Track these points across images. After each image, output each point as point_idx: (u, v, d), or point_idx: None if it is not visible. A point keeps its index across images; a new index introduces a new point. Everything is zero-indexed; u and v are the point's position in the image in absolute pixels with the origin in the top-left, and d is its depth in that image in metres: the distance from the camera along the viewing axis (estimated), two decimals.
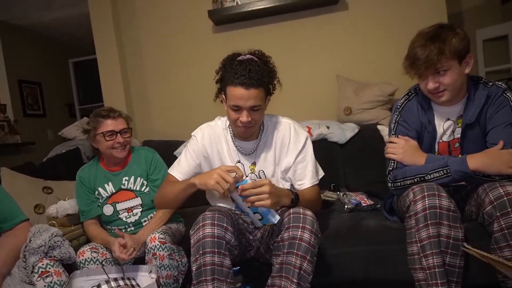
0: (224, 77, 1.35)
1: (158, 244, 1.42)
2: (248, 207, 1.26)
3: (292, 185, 1.50)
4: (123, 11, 2.68)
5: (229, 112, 1.35)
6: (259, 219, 1.32)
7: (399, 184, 1.38)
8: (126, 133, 1.67)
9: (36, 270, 1.25)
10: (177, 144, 2.28)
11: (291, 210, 1.26)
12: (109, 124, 1.63)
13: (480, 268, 1.28)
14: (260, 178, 1.46)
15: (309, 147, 1.47)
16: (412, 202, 1.25)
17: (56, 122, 4.42)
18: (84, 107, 4.43)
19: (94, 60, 2.72)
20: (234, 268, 1.45)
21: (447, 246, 1.20)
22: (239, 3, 2.40)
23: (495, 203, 1.19)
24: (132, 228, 1.67)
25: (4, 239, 1.35)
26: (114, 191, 1.69)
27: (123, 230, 1.67)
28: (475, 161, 1.25)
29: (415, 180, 1.33)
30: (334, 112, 2.39)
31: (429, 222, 1.19)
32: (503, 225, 1.17)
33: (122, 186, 1.69)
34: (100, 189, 1.68)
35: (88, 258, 1.45)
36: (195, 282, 1.20)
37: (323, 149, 2.10)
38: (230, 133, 1.48)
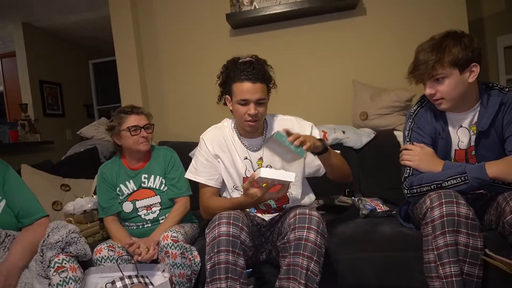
0: (229, 77, 1.45)
1: (170, 242, 1.43)
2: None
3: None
4: (142, 15, 2.73)
5: (236, 108, 1.43)
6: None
7: (415, 191, 1.36)
8: (149, 129, 1.73)
9: (52, 265, 1.27)
10: (193, 145, 2.29)
11: (297, 211, 1.27)
12: (133, 120, 1.68)
13: (500, 279, 1.24)
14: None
15: (315, 133, 1.55)
16: (429, 209, 1.22)
17: (74, 122, 4.52)
18: (102, 107, 4.51)
19: (113, 62, 2.78)
20: (246, 270, 1.45)
21: (465, 255, 1.17)
22: (257, 7, 2.41)
23: None
24: (150, 225, 1.70)
25: (23, 234, 1.38)
26: (135, 189, 1.72)
27: (141, 227, 1.70)
28: (494, 169, 1.22)
29: (432, 187, 1.31)
30: (349, 117, 2.38)
31: (446, 229, 1.17)
32: None
33: (143, 184, 1.72)
34: (121, 186, 1.72)
35: (105, 256, 1.47)
36: (208, 280, 1.21)
37: None
38: (236, 132, 1.55)
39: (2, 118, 4.86)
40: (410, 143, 1.46)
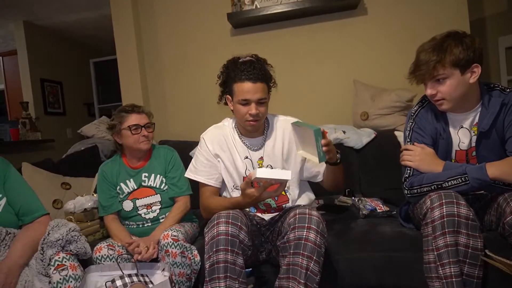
0: (230, 76, 1.45)
1: (170, 241, 1.44)
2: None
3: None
4: (143, 14, 2.74)
5: (237, 108, 1.43)
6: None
7: (415, 191, 1.36)
8: (150, 128, 1.73)
9: (52, 263, 1.27)
10: (193, 145, 2.29)
11: (297, 211, 1.27)
12: (134, 119, 1.68)
13: (500, 280, 1.24)
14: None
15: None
16: (429, 209, 1.22)
17: (75, 120, 4.53)
18: (102, 106, 4.52)
19: (114, 61, 2.78)
20: (246, 270, 1.45)
21: (465, 255, 1.17)
22: (258, 7, 2.41)
23: None
24: (150, 224, 1.70)
25: (23, 232, 1.39)
26: (135, 187, 1.72)
27: (141, 226, 1.71)
28: (494, 169, 1.22)
29: (432, 187, 1.31)
30: (350, 117, 2.38)
31: (446, 230, 1.17)
32: None
33: (143, 183, 1.72)
34: (122, 184, 1.72)
35: (105, 255, 1.47)
36: (208, 279, 1.21)
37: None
38: (237, 131, 1.55)
39: (3, 117, 4.87)
40: (410, 144, 1.45)
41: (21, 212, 1.43)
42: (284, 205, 1.53)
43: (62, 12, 3.88)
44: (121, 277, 1.31)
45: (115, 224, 1.68)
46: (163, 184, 1.73)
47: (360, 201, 1.86)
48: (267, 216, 1.52)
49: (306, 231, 1.20)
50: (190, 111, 2.72)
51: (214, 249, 1.21)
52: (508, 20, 2.95)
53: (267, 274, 1.47)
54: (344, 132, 2.14)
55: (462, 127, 1.41)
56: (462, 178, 1.25)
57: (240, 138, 1.54)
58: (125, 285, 1.29)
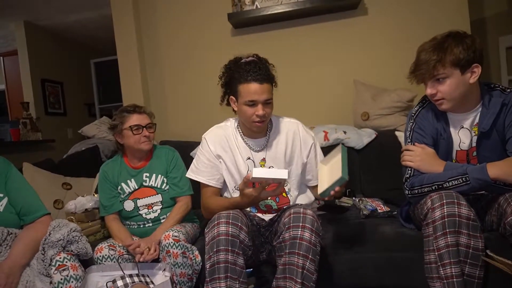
0: (234, 78, 1.43)
1: (171, 242, 1.44)
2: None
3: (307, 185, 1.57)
4: (144, 14, 2.74)
5: (243, 110, 1.42)
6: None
7: (416, 191, 1.36)
8: (151, 128, 1.73)
9: (53, 263, 1.27)
10: (194, 145, 2.29)
11: (292, 210, 1.27)
12: (135, 119, 1.68)
13: (501, 280, 1.24)
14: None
15: (318, 145, 1.59)
16: (430, 210, 1.22)
17: (76, 120, 4.53)
18: (103, 106, 4.52)
19: (115, 61, 2.78)
20: (247, 270, 1.45)
21: (466, 255, 1.17)
22: (259, 7, 2.41)
23: None
24: (151, 224, 1.70)
25: (25, 232, 1.39)
26: (136, 187, 1.72)
27: (142, 226, 1.71)
28: (495, 170, 1.22)
29: (433, 187, 1.31)
30: (350, 117, 2.38)
31: (447, 230, 1.17)
32: None
33: (144, 183, 1.72)
34: (123, 184, 1.72)
35: (106, 255, 1.47)
36: (208, 279, 1.21)
37: None
38: (240, 132, 1.54)
39: (3, 117, 4.87)
40: (411, 144, 1.45)
41: (22, 212, 1.43)
42: (285, 207, 1.53)
43: (62, 12, 3.88)
44: (122, 277, 1.31)
45: (116, 224, 1.68)
46: (164, 184, 1.73)
47: (361, 201, 1.86)
48: (267, 217, 1.52)
49: (301, 230, 1.20)
50: (191, 111, 2.72)
51: (215, 249, 1.21)
52: (509, 20, 2.95)
53: (268, 274, 1.47)
54: (344, 132, 2.14)
55: (462, 127, 1.41)
56: (463, 178, 1.25)
57: (243, 139, 1.53)
58: (126, 285, 1.29)
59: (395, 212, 1.73)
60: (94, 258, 1.46)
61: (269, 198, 1.48)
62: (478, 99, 1.38)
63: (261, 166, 1.51)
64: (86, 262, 1.42)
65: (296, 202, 1.56)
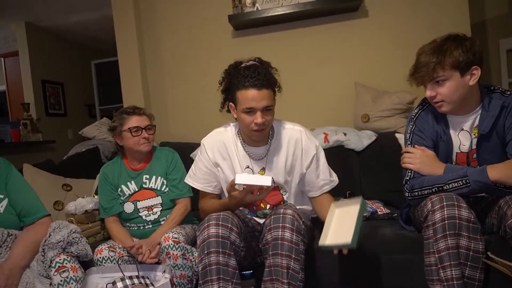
0: (232, 83, 1.37)
1: (171, 244, 1.44)
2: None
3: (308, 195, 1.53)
4: (144, 16, 2.74)
5: (242, 117, 1.36)
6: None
7: (416, 193, 1.36)
8: (150, 130, 1.72)
9: (53, 265, 1.27)
10: (194, 146, 2.29)
11: (273, 211, 1.28)
12: (135, 120, 1.68)
13: (501, 283, 1.24)
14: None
15: (321, 155, 1.51)
16: (430, 212, 1.22)
17: (76, 121, 4.53)
18: (104, 107, 4.53)
19: (115, 62, 2.79)
20: (246, 272, 1.45)
21: (467, 258, 1.17)
22: (259, 9, 2.42)
23: None
24: (150, 226, 1.70)
25: (25, 233, 1.39)
26: (136, 189, 1.72)
27: (142, 228, 1.70)
28: (495, 172, 1.22)
29: (433, 190, 1.31)
30: (351, 119, 2.38)
31: (447, 232, 1.17)
32: None
33: (144, 185, 1.72)
34: (123, 186, 1.72)
35: (106, 256, 1.48)
36: (201, 282, 1.22)
37: (340, 156, 2.09)
38: (240, 138, 1.48)
39: (4, 117, 4.87)
40: (411, 146, 1.45)
41: (22, 213, 1.43)
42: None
43: (63, 13, 3.89)
44: (122, 279, 1.31)
45: (116, 226, 1.68)
46: (164, 186, 1.73)
47: None
48: (262, 221, 1.50)
49: (281, 231, 1.21)
50: (191, 112, 2.73)
51: (206, 252, 1.21)
52: (509, 22, 2.95)
53: None
54: (345, 134, 2.14)
55: (462, 129, 1.41)
56: (463, 181, 1.25)
57: (243, 146, 1.47)
58: (126, 287, 1.29)
59: (395, 214, 1.72)
60: (94, 260, 1.46)
61: (267, 206, 1.47)
62: (478, 102, 1.38)
63: (260, 175, 1.45)
64: (86, 264, 1.42)
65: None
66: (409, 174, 1.41)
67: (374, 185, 2.06)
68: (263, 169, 1.48)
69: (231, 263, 1.22)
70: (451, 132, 1.42)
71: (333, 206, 1.35)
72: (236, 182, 1.21)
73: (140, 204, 1.70)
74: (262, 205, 1.51)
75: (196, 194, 1.70)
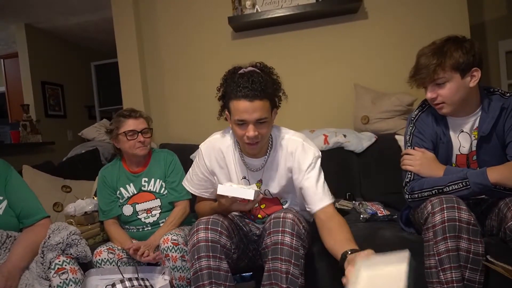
0: (227, 92, 1.28)
1: (170, 246, 1.44)
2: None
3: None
4: (144, 17, 2.74)
5: (234, 129, 1.29)
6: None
7: (416, 196, 1.36)
8: (147, 133, 1.70)
9: (52, 267, 1.26)
10: (194, 148, 2.29)
11: (272, 215, 1.26)
12: (131, 124, 1.66)
13: (501, 285, 1.24)
14: (266, 195, 1.44)
15: (316, 167, 1.33)
16: (430, 214, 1.22)
17: (76, 123, 4.53)
18: (103, 109, 4.52)
19: (115, 64, 2.79)
20: (246, 274, 1.45)
21: (467, 260, 1.17)
22: (259, 11, 2.42)
23: None
24: (150, 228, 1.70)
25: (24, 235, 1.38)
26: (135, 192, 1.72)
27: (141, 230, 1.70)
28: (495, 174, 1.22)
29: (433, 192, 1.31)
30: (350, 121, 2.38)
31: (447, 235, 1.17)
32: None
33: (143, 188, 1.72)
34: (121, 189, 1.72)
35: (105, 258, 1.47)
36: (193, 287, 1.21)
37: (340, 158, 2.09)
38: (238, 148, 1.40)
39: (4, 119, 4.86)
40: (411, 148, 1.45)
41: (21, 214, 1.42)
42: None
43: (63, 15, 3.89)
44: (122, 281, 1.31)
45: (115, 228, 1.68)
46: (163, 189, 1.73)
47: (360, 205, 1.86)
48: (260, 225, 1.49)
49: (281, 235, 1.19)
50: (191, 114, 2.73)
51: (196, 256, 1.20)
52: (508, 24, 2.96)
53: None
54: (344, 136, 2.14)
55: (462, 131, 1.41)
56: (463, 183, 1.25)
57: (241, 156, 1.39)
58: None
59: (395, 216, 1.72)
60: (93, 262, 1.46)
61: (266, 217, 1.45)
62: (478, 103, 1.38)
63: (257, 187, 1.35)
64: (86, 266, 1.42)
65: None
66: (409, 176, 1.41)
67: (374, 187, 2.06)
68: (260, 181, 1.42)
69: (222, 266, 1.21)
70: (451, 133, 1.42)
71: (359, 267, 0.90)
72: (217, 193, 1.20)
73: (139, 207, 1.70)
74: (260, 215, 1.48)
75: (194, 197, 1.70)
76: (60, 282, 1.25)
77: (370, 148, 2.12)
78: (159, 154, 1.79)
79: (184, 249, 1.46)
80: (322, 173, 1.35)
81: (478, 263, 1.17)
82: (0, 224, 1.37)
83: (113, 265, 1.47)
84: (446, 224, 1.17)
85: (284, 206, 1.46)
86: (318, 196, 1.29)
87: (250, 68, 1.29)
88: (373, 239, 1.53)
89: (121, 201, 1.72)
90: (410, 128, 1.48)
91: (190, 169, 1.52)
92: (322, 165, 1.36)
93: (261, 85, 1.21)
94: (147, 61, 2.77)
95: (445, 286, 1.16)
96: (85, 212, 1.80)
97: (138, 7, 2.73)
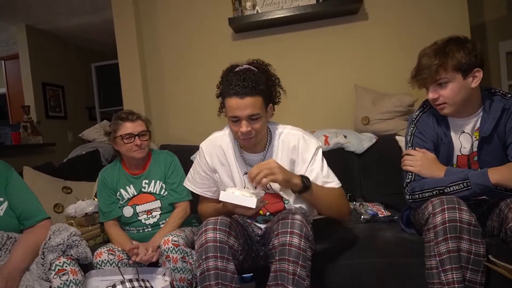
0: (222, 90, 1.34)
1: (171, 247, 1.43)
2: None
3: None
4: (145, 18, 2.75)
5: (230, 125, 1.34)
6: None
7: (417, 196, 1.35)
8: (144, 136, 1.69)
9: (53, 268, 1.26)
10: (194, 149, 2.29)
11: (280, 216, 1.26)
12: (128, 127, 1.66)
13: (502, 286, 1.23)
14: (268, 189, 1.44)
15: (318, 157, 1.39)
16: (431, 215, 1.22)
17: (76, 124, 4.53)
18: (104, 110, 4.53)
19: (116, 65, 2.79)
20: (247, 275, 1.45)
21: (468, 261, 1.16)
22: (259, 12, 2.42)
23: None
24: (150, 229, 1.70)
25: (24, 236, 1.38)
26: (135, 193, 1.72)
27: (141, 231, 1.70)
28: (497, 175, 1.22)
29: (434, 192, 1.30)
30: (351, 122, 2.38)
31: (448, 235, 1.16)
32: None
33: (143, 189, 1.72)
34: (122, 190, 1.72)
35: (105, 259, 1.47)
36: (200, 287, 1.20)
37: (340, 159, 2.08)
38: (238, 144, 1.44)
39: (4, 120, 4.87)
40: (412, 148, 1.45)
41: (22, 216, 1.42)
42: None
43: (64, 16, 3.89)
44: (122, 282, 1.30)
45: (115, 229, 1.68)
46: (163, 190, 1.72)
47: (361, 206, 1.86)
48: (264, 225, 1.49)
49: (290, 236, 1.18)
50: (192, 115, 2.73)
51: (204, 257, 1.19)
52: (509, 25, 2.95)
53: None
54: (345, 136, 2.14)
55: (463, 132, 1.41)
56: (464, 184, 1.25)
57: (240, 153, 1.43)
58: None
59: (396, 217, 1.72)
60: (93, 263, 1.46)
61: (267, 213, 1.45)
62: (479, 104, 1.38)
63: (245, 195, 1.32)
64: (86, 267, 1.42)
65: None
66: (410, 176, 1.41)
67: (375, 188, 2.05)
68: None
69: (229, 267, 1.21)
70: (452, 134, 1.42)
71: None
72: (220, 199, 1.20)
73: (139, 208, 1.70)
74: (261, 212, 1.48)
75: (195, 197, 1.70)
76: (61, 283, 1.24)
77: (371, 149, 2.12)
78: (159, 156, 1.79)
79: (185, 251, 1.45)
80: (325, 161, 1.40)
81: (479, 264, 1.16)
82: (0, 225, 1.37)
83: (114, 266, 1.47)
84: (447, 224, 1.17)
85: (286, 203, 1.46)
86: (324, 181, 1.36)
87: (246, 66, 1.34)
88: (373, 240, 1.53)
89: (121, 202, 1.72)
90: (411, 128, 1.48)
91: (191, 169, 1.53)
92: None
93: (252, 82, 1.25)
94: (147, 62, 2.77)
95: (446, 287, 1.15)
96: (86, 213, 1.80)
97: (139, 8, 2.73)
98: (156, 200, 1.71)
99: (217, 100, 1.47)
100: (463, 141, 1.41)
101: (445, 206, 1.19)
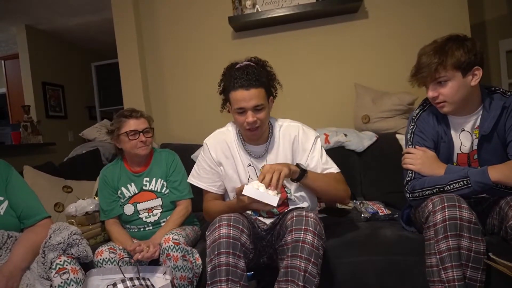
0: (226, 85, 1.42)
1: (172, 245, 1.43)
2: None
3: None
4: (144, 18, 2.75)
5: (235, 117, 1.41)
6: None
7: (417, 194, 1.36)
8: (148, 133, 1.71)
9: (53, 266, 1.27)
10: (195, 147, 2.30)
11: (294, 213, 1.26)
12: (132, 124, 1.67)
13: (503, 284, 1.24)
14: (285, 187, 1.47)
15: (318, 145, 1.50)
16: (431, 213, 1.22)
17: (76, 123, 4.54)
18: (104, 109, 4.53)
19: (116, 64, 2.79)
20: (248, 273, 1.45)
21: (468, 259, 1.16)
22: (259, 10, 2.42)
23: None
24: (151, 228, 1.70)
25: (25, 235, 1.39)
26: (136, 191, 1.72)
27: (142, 230, 1.70)
28: (496, 173, 1.22)
29: (434, 190, 1.30)
30: (351, 120, 2.38)
31: (449, 233, 1.16)
32: None
33: (144, 187, 1.72)
34: (123, 188, 1.72)
35: (106, 258, 1.47)
36: (209, 282, 1.20)
37: (340, 157, 2.06)
38: (241, 138, 1.52)
39: (4, 120, 4.88)
40: (412, 147, 1.45)
41: (22, 215, 1.43)
42: (287, 210, 1.52)
43: (64, 16, 3.89)
44: (123, 281, 1.30)
45: (116, 227, 1.68)
46: (164, 188, 1.73)
47: (361, 204, 1.86)
48: (268, 220, 1.51)
49: (303, 233, 1.19)
50: (192, 114, 2.73)
51: (216, 252, 1.20)
52: (509, 23, 2.95)
53: (268, 277, 1.47)
54: (345, 135, 2.14)
55: (463, 130, 1.41)
56: (464, 182, 1.25)
57: (244, 145, 1.51)
58: None
59: (396, 215, 1.72)
60: (94, 262, 1.46)
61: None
62: (479, 102, 1.38)
63: (268, 193, 1.37)
64: (87, 265, 1.42)
65: (298, 206, 1.54)
66: (410, 175, 1.41)
67: (375, 186, 2.06)
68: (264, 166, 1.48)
69: (240, 264, 1.21)
70: (452, 132, 1.42)
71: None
72: (243, 193, 1.21)
73: (140, 206, 1.70)
74: None
75: (196, 196, 1.70)
76: (61, 282, 1.25)
77: (371, 147, 2.12)
78: (161, 154, 1.79)
79: (186, 249, 1.45)
80: (324, 150, 1.52)
81: (480, 262, 1.17)
82: (1, 224, 1.37)
83: (114, 265, 1.47)
84: (447, 222, 1.17)
85: (288, 192, 1.51)
86: (324, 167, 1.47)
87: (246, 62, 1.43)
88: (374, 238, 1.53)
89: (122, 200, 1.72)
90: (411, 127, 1.48)
91: (195, 165, 1.57)
92: None
93: (255, 75, 1.36)
94: (147, 61, 2.77)
95: (447, 284, 1.15)
96: (86, 212, 1.80)
97: (138, 7, 2.73)
98: (157, 198, 1.71)
99: (218, 99, 1.52)
100: (463, 139, 1.42)
101: (445, 204, 1.19)
